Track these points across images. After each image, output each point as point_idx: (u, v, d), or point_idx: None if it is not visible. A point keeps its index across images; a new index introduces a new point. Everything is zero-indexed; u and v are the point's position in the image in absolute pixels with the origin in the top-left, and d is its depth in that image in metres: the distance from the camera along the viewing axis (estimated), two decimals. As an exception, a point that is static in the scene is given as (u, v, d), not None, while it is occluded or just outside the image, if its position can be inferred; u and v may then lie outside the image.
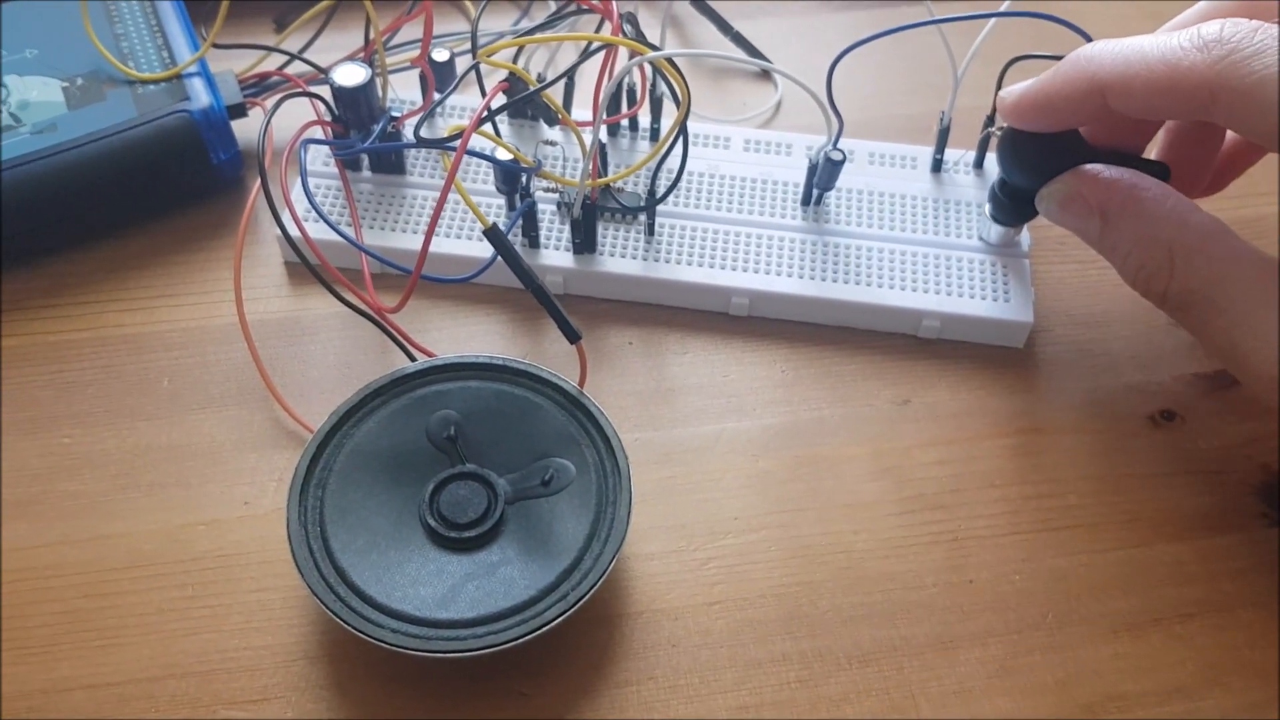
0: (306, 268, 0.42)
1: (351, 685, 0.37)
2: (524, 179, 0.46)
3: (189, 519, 0.39)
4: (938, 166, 0.50)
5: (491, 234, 0.41)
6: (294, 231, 0.44)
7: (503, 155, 0.44)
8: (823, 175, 0.49)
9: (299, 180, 0.45)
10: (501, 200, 0.47)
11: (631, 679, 0.39)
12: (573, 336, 0.41)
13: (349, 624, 0.36)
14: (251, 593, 0.38)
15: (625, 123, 0.49)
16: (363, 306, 0.43)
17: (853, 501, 0.43)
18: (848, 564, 0.41)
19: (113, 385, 0.43)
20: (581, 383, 0.42)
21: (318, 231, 0.45)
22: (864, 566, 0.40)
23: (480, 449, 0.38)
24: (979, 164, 0.53)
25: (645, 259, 0.48)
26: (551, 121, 0.47)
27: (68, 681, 0.36)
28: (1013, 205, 0.47)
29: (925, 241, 0.48)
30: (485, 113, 0.42)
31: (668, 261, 0.47)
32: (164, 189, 0.47)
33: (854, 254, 0.49)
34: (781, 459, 0.42)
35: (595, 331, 0.46)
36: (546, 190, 0.48)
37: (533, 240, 0.48)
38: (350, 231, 0.47)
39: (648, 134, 0.49)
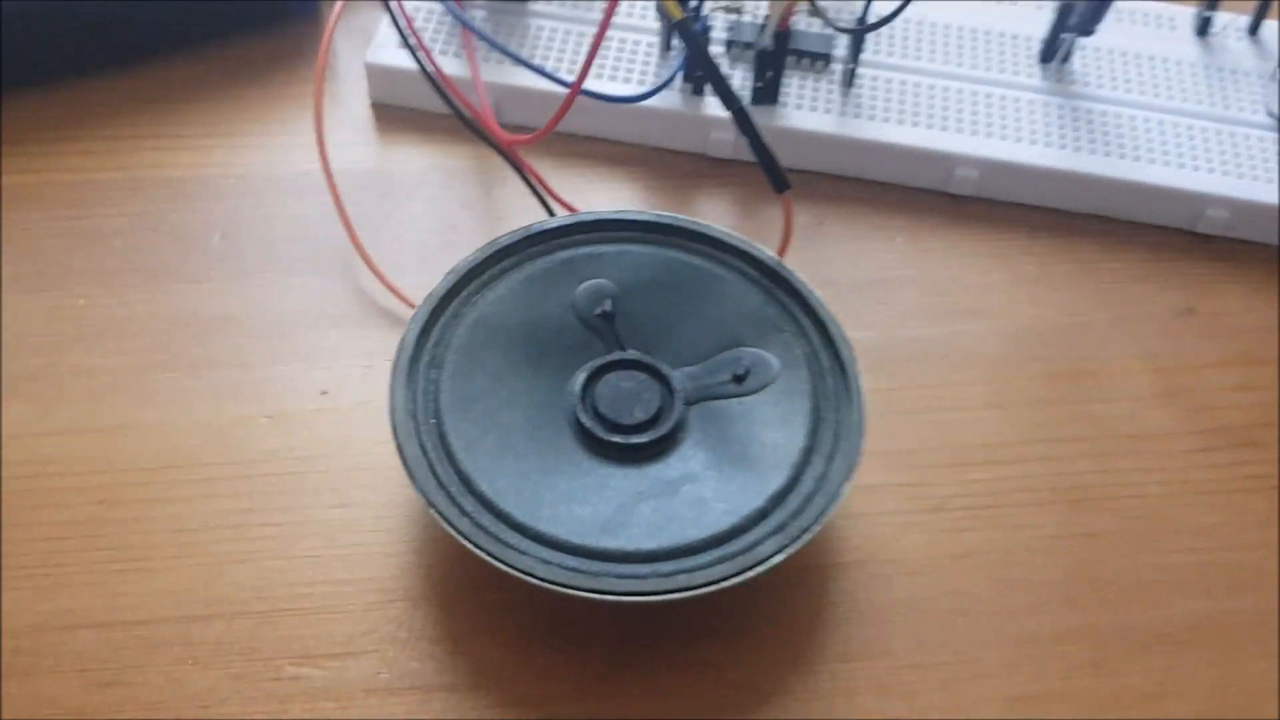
0: (433, 96, 0.33)
1: (472, 640, 0.29)
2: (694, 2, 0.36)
3: (247, 410, 0.32)
4: (1204, 29, 0.43)
5: (682, 29, 0.30)
6: (391, 61, 0.35)
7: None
8: (1085, 14, 0.38)
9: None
10: (654, 38, 0.40)
11: (858, 652, 0.29)
12: (780, 183, 0.31)
13: (481, 548, 0.27)
14: (331, 508, 0.31)
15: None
16: (484, 139, 0.33)
17: (1136, 432, 0.34)
18: (1140, 512, 0.33)
19: (146, 237, 0.36)
20: (782, 251, 0.32)
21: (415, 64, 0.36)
22: (1162, 516, 0.33)
23: (645, 332, 0.31)
24: (1254, 29, 0.43)
25: (842, 114, 0.38)
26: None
27: (70, 616, 0.29)
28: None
29: (1200, 114, 0.40)
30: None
31: (871, 119, 0.38)
32: (223, 6, 0.39)
33: (1112, 122, 0.40)
34: (1033, 374, 0.35)
35: (775, 204, 0.36)
36: (726, 8, 0.37)
37: (697, 86, 0.38)
38: (456, 65, 0.37)
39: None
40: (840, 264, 0.37)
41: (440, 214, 0.38)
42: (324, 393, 0.33)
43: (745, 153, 0.39)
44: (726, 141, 0.39)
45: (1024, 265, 0.38)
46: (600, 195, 0.39)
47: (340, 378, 0.33)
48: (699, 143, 0.39)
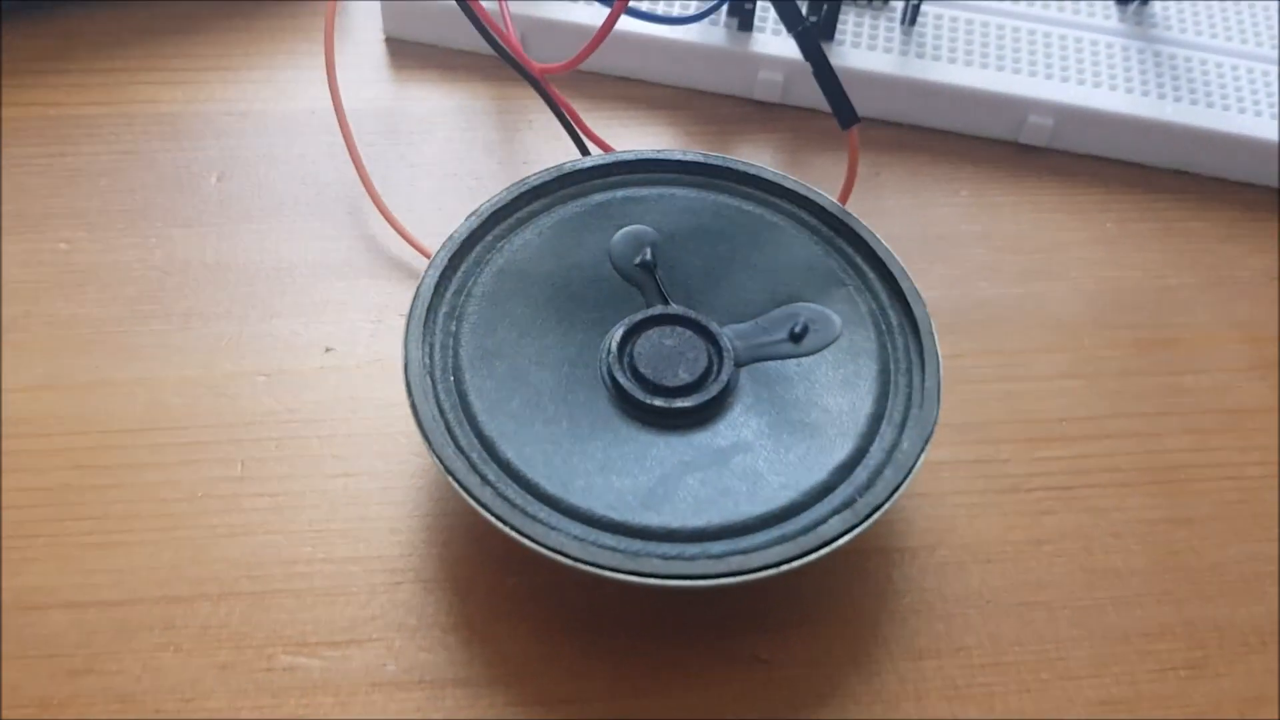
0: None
1: (491, 628, 0.26)
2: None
3: (242, 367, 0.30)
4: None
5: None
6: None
7: None
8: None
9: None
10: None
11: (927, 648, 0.26)
12: (848, 115, 0.28)
13: (505, 522, 0.24)
14: (335, 477, 0.28)
15: None
16: (516, 67, 0.30)
17: (1233, 406, 0.31)
18: (1239, 496, 0.30)
19: (138, 178, 0.33)
20: (845, 195, 0.29)
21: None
22: (1262, 500, 0.30)
23: (689, 284, 0.28)
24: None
25: (903, 54, 0.35)
26: None
27: (38, 594, 0.26)
28: None
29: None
30: None
31: (935, 59, 0.35)
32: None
33: (1197, 69, 0.37)
34: (1116, 341, 0.32)
35: (827, 153, 0.35)
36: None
37: (744, 20, 0.35)
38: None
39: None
40: (899, 218, 0.34)
41: (459, 158, 0.35)
42: (329, 349, 0.30)
43: (795, 95, 0.36)
44: (775, 82, 0.36)
45: (1101, 223, 0.35)
46: (636, 141, 0.36)
47: (347, 333, 0.30)
48: (745, 84, 0.36)
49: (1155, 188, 0.36)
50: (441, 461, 0.24)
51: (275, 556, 0.27)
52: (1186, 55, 0.37)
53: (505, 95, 0.36)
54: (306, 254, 0.32)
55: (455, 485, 0.24)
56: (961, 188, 0.35)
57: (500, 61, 0.32)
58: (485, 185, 0.34)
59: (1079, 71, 0.36)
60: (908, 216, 0.34)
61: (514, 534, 0.24)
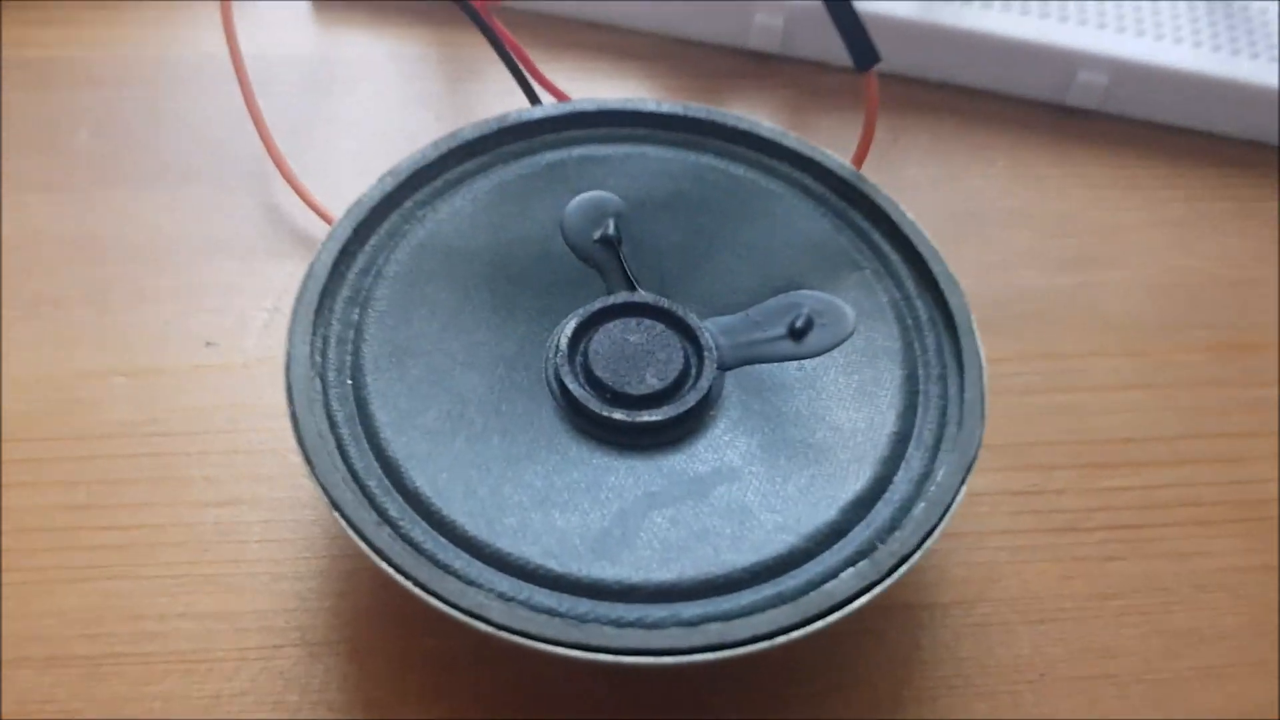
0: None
1: (397, 708, 0.21)
2: None
3: (99, 363, 0.25)
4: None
5: None
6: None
7: None
8: None
9: None
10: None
11: None
12: (866, 54, 0.23)
13: (406, 574, 0.19)
14: (206, 507, 0.23)
15: None
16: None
17: None
18: None
19: None
20: (861, 156, 0.25)
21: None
22: None
23: (663, 266, 0.24)
24: None
25: (927, -3, 0.31)
26: None
27: None
28: None
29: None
30: None
31: (966, 2, 0.32)
32: None
33: (1275, 22, 0.32)
34: (1190, 344, 0.28)
35: (836, 113, 0.31)
36: None
37: (737, -43, 0.30)
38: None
39: None
40: (922, 192, 0.30)
41: (390, 114, 0.30)
42: (210, 344, 0.26)
43: (798, 45, 0.31)
44: (774, 28, 0.31)
45: (1166, 202, 0.30)
46: (602, 95, 0.30)
47: (234, 324, 0.26)
48: (738, 31, 0.32)
49: (1228, 160, 0.31)
50: (325, 490, 0.19)
51: (121, 610, 0.22)
52: (1263, 6, 0.33)
53: (447, 41, 0.31)
54: (191, 227, 0.27)
55: (342, 523, 0.19)
56: (997, 157, 0.31)
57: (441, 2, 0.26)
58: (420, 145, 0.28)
59: (1138, 22, 0.32)
60: (932, 190, 0.30)
61: (417, 590, 0.18)
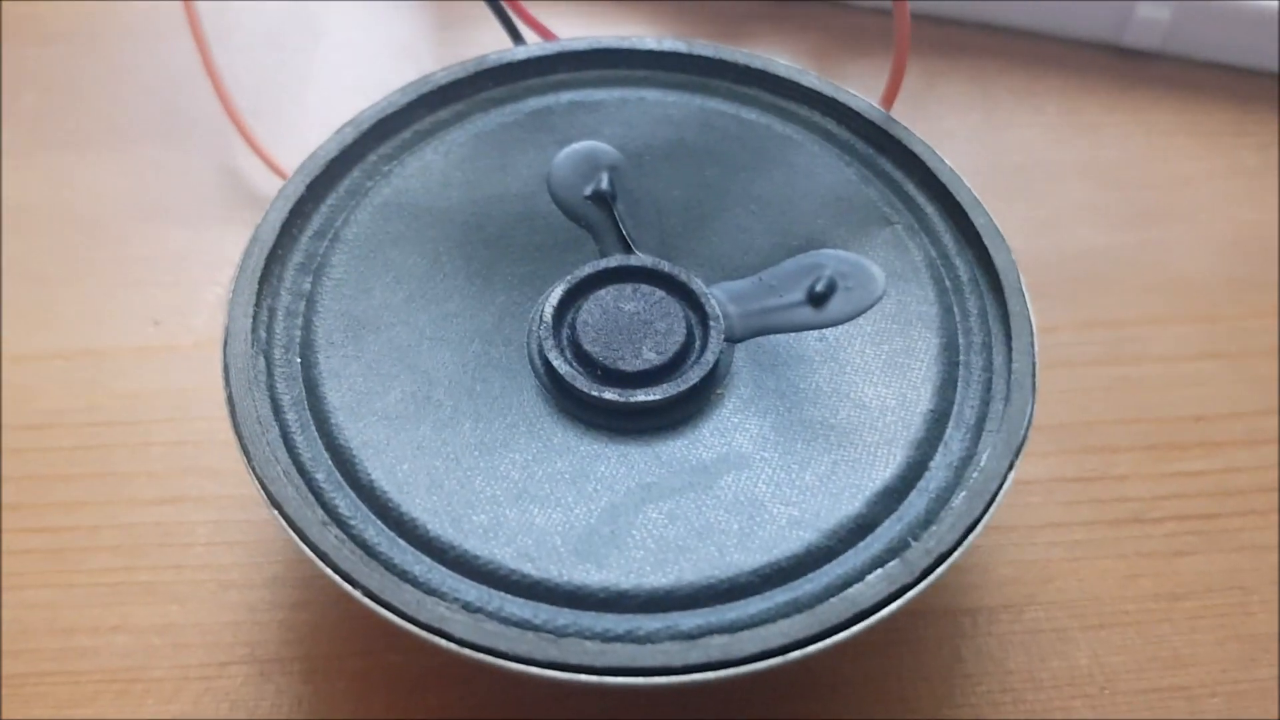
0: None
1: None
2: None
3: (32, 346, 0.24)
4: None
5: None
6: None
7: None
8: None
9: None
10: None
11: None
12: None
13: (355, 582, 0.17)
14: (147, 505, 0.22)
15: None
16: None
17: None
18: None
19: None
20: (890, 97, 0.23)
21: None
22: None
23: (664, 225, 0.22)
24: None
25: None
26: None
27: None
28: None
29: None
30: None
31: None
32: None
33: None
34: (1267, 307, 0.26)
35: (864, 59, 0.30)
36: None
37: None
38: None
39: None
40: (962, 143, 0.29)
41: (363, 65, 0.29)
42: (156, 323, 0.25)
43: None
44: (793, -38, 0.28)
45: (1237, 151, 0.29)
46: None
47: (183, 301, 0.25)
48: None
49: (1306, 106, 0.30)
50: (261, 484, 0.17)
51: (48, 623, 0.21)
52: (1344, -71, 0.30)
53: (426, -16, 0.29)
54: (138, 192, 0.27)
55: (281, 521, 0.17)
56: (1047, 103, 0.30)
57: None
58: (396, 101, 0.27)
59: (1203, -51, 0.29)
60: (975, 141, 0.29)
61: (367, 600, 0.16)
